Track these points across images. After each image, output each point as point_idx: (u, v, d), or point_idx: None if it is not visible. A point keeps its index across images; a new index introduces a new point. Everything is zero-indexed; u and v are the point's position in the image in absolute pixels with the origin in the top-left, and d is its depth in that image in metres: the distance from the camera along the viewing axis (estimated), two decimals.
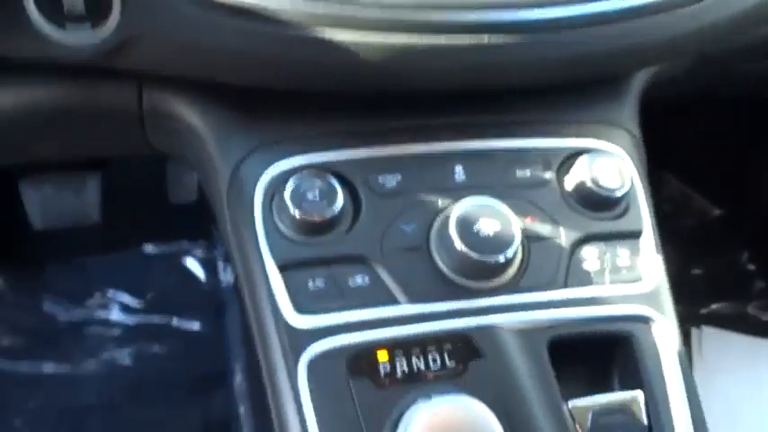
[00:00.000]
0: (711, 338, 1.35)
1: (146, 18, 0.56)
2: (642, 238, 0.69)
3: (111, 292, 1.44)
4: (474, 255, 0.60)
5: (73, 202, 1.32)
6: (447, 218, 0.62)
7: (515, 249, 0.61)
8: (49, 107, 0.69)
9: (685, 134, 1.37)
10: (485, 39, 0.59)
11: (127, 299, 1.44)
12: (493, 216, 0.62)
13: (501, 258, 0.61)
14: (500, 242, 0.61)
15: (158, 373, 1.37)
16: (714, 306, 1.39)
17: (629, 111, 0.74)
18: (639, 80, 0.76)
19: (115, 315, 1.43)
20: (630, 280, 0.67)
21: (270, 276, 0.62)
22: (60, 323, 1.40)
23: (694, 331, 1.37)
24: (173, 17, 0.56)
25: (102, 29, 0.56)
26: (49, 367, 1.36)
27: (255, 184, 0.65)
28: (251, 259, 0.63)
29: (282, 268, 0.62)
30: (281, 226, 0.63)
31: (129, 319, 1.43)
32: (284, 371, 0.60)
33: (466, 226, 0.61)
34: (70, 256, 1.45)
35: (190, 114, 0.68)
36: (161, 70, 0.62)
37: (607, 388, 0.65)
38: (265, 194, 0.64)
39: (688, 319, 1.40)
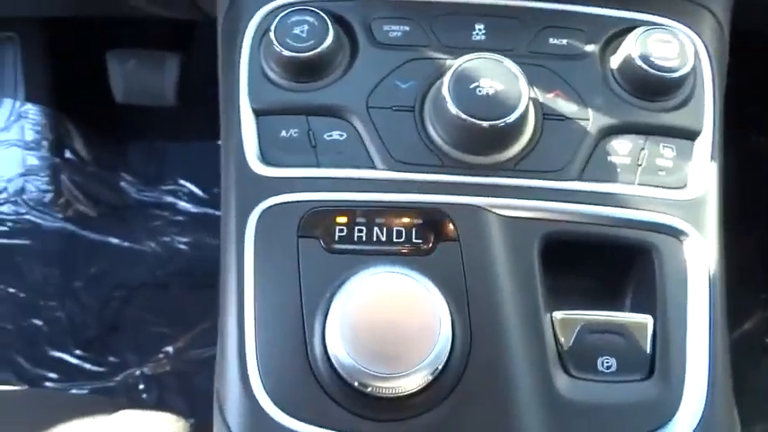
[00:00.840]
0: None
1: None
2: (699, 140, 0.55)
3: (182, 181, 1.46)
4: (466, 117, 0.51)
5: (152, 79, 1.34)
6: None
7: (518, 117, 0.51)
8: None
9: None
10: None
11: (195, 189, 1.46)
12: (498, 75, 0.51)
13: (499, 124, 0.50)
14: (500, 106, 0.51)
15: (210, 263, 1.39)
16: None
17: None
18: None
19: (181, 202, 1.45)
20: (669, 185, 0.54)
21: (242, 119, 0.56)
22: (132, 201, 1.45)
23: None
24: None
25: None
26: (114, 239, 1.41)
27: (249, 19, 0.59)
28: (231, 101, 0.58)
29: (258, 112, 0.56)
30: (267, 68, 0.57)
31: (194, 209, 1.45)
32: (234, 218, 0.54)
33: (463, 84, 0.51)
34: (149, 138, 1.48)
35: None
36: None
37: (617, 309, 0.54)
38: (257, 31, 0.58)
39: None
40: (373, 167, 0.54)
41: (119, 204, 1.45)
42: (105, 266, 1.38)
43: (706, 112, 0.56)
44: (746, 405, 1.18)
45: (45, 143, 1.45)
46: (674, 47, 0.54)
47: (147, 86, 1.34)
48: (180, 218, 1.44)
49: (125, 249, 1.41)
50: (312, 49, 0.54)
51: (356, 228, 0.52)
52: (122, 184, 1.47)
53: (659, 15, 0.57)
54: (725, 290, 0.53)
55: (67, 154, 1.45)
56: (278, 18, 0.55)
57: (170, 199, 1.46)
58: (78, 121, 1.44)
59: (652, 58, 0.54)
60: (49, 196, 1.44)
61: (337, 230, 0.52)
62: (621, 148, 0.54)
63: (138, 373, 1.25)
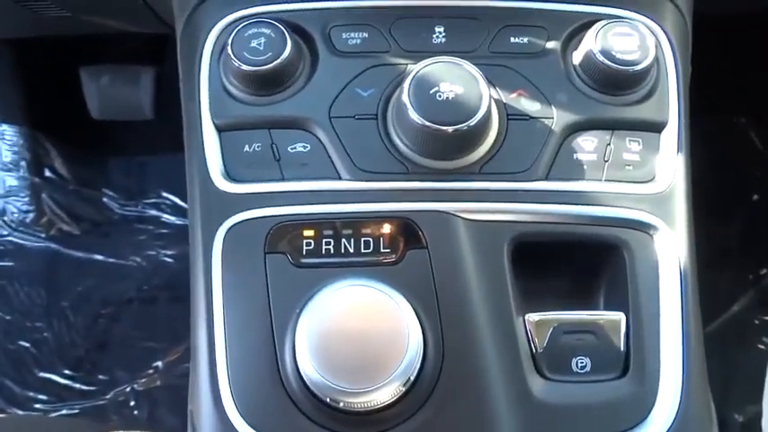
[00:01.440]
0: None
1: None
2: (665, 132, 0.55)
3: (164, 193, 1.46)
4: (427, 122, 0.50)
5: (128, 93, 1.33)
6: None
7: (480, 120, 0.50)
8: None
9: None
10: None
11: (178, 201, 1.45)
12: (457, 79, 0.51)
13: (462, 128, 0.50)
14: (461, 109, 0.50)
15: None
16: None
17: None
18: None
19: (165, 215, 1.44)
20: (636, 180, 0.54)
21: (205, 135, 0.56)
22: (115, 216, 1.44)
23: None
24: None
25: None
26: (99, 256, 1.40)
27: (207, 35, 0.58)
28: (193, 117, 0.57)
29: (221, 128, 0.56)
30: (227, 83, 0.56)
31: (178, 221, 1.44)
32: (200, 236, 0.53)
33: (423, 90, 0.51)
34: (129, 152, 1.48)
35: None
36: None
37: (591, 308, 0.54)
38: (215, 46, 0.58)
39: None
40: (338, 178, 0.53)
41: (102, 221, 1.44)
42: (91, 284, 1.37)
43: (671, 103, 0.55)
44: (738, 386, 1.19)
45: (23, 163, 1.44)
46: (634, 40, 0.53)
47: (123, 101, 1.34)
48: (164, 231, 1.43)
49: (110, 265, 1.40)
50: (270, 62, 0.54)
51: (323, 241, 0.51)
52: (104, 200, 1.46)
53: (620, 8, 0.57)
54: (697, 282, 0.53)
55: (47, 173, 1.44)
56: (234, 32, 0.55)
57: (153, 212, 1.45)
58: (56, 139, 1.43)
59: (613, 53, 0.53)
60: (30, 216, 1.43)
61: (304, 245, 0.51)
62: (587, 145, 0.54)
63: (128, 389, 1.25)
